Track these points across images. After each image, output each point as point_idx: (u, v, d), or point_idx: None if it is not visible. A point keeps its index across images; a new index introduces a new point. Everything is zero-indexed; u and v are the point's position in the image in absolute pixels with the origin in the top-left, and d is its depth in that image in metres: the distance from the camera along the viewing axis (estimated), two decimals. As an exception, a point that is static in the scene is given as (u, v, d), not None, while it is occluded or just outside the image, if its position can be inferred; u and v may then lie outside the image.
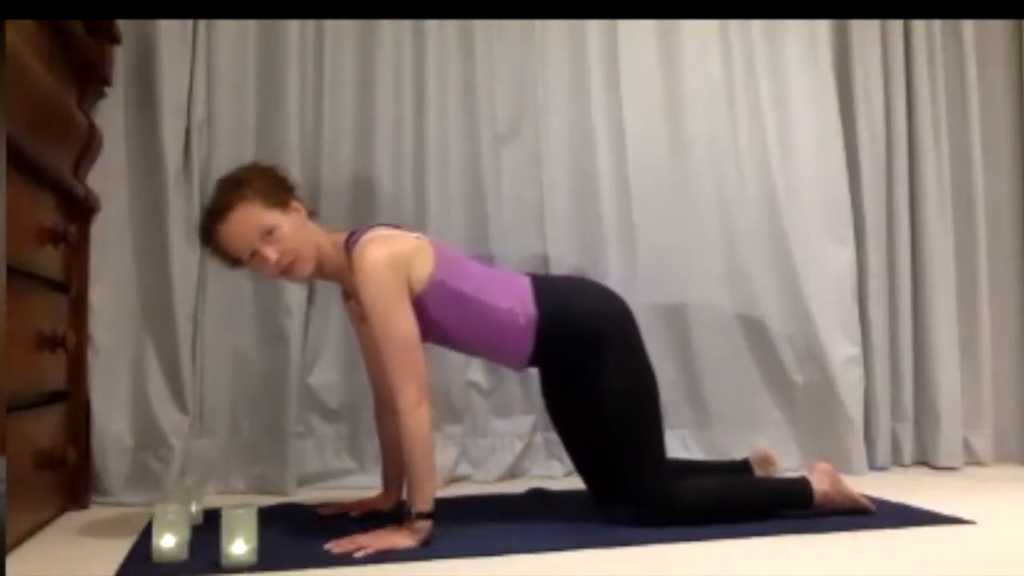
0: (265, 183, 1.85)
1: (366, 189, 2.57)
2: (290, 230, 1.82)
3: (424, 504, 1.72)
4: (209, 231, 1.84)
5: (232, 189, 1.83)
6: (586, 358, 1.92)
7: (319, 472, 2.50)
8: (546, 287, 1.97)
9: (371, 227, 1.92)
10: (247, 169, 1.90)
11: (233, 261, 1.86)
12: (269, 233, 1.80)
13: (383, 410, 2.09)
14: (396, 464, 2.07)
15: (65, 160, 2.14)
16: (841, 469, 2.61)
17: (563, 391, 2.08)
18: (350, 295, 2.01)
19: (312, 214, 1.93)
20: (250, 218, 1.79)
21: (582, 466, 2.15)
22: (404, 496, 2.06)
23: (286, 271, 1.84)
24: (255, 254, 1.81)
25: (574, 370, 1.95)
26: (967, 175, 3.01)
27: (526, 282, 1.96)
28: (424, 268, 1.85)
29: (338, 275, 1.93)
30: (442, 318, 1.88)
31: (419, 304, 1.83)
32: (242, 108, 2.48)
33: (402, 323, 1.77)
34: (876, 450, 2.85)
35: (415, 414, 1.73)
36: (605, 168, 2.72)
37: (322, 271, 1.92)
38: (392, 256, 1.80)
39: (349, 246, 1.86)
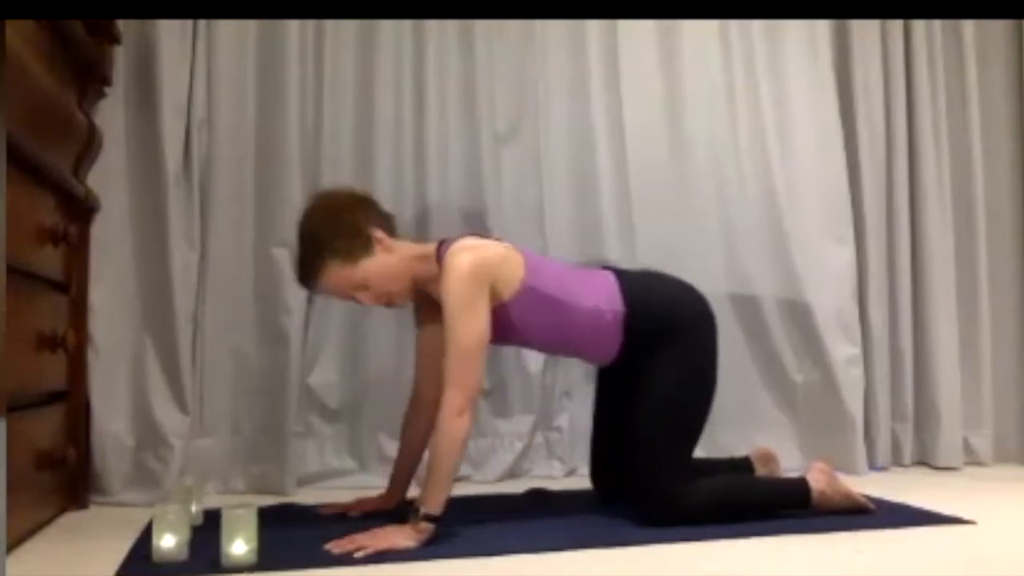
0: (340, 239, 1.86)
1: (366, 189, 2.56)
2: (378, 273, 1.88)
3: (434, 508, 1.72)
4: (305, 284, 1.93)
5: (311, 253, 1.88)
6: (658, 346, 1.93)
7: (319, 472, 2.50)
8: (632, 281, 1.99)
9: (462, 235, 1.94)
10: (321, 220, 1.89)
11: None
12: (359, 287, 1.88)
13: (415, 412, 2.09)
14: (407, 467, 2.10)
15: (65, 160, 2.14)
16: (841, 469, 2.62)
17: (622, 374, 2.05)
18: (429, 299, 1.99)
19: (393, 230, 1.94)
20: (336, 280, 1.88)
21: (600, 458, 2.17)
22: (407, 496, 2.08)
23: (386, 305, 1.95)
24: (353, 299, 1.92)
25: (640, 356, 1.95)
26: (967, 175, 3.02)
27: (611, 277, 1.98)
28: (513, 275, 1.87)
29: (429, 286, 1.94)
30: (530, 322, 1.91)
31: (507, 310, 1.87)
32: (242, 108, 2.48)
33: (473, 329, 1.77)
34: (876, 450, 2.85)
35: (455, 420, 1.73)
36: (605, 168, 2.73)
37: (417, 288, 1.96)
38: (478, 262, 1.81)
39: (440, 254, 1.88)
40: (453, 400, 1.74)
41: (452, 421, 1.73)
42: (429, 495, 1.73)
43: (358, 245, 1.87)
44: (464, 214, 2.62)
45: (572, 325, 1.93)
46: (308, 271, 1.89)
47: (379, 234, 1.89)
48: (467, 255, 1.82)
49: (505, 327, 1.87)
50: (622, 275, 2.01)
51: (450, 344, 1.77)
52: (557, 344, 2.01)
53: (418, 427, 2.06)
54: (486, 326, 1.79)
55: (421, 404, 2.06)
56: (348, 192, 1.98)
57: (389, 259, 1.90)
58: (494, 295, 1.84)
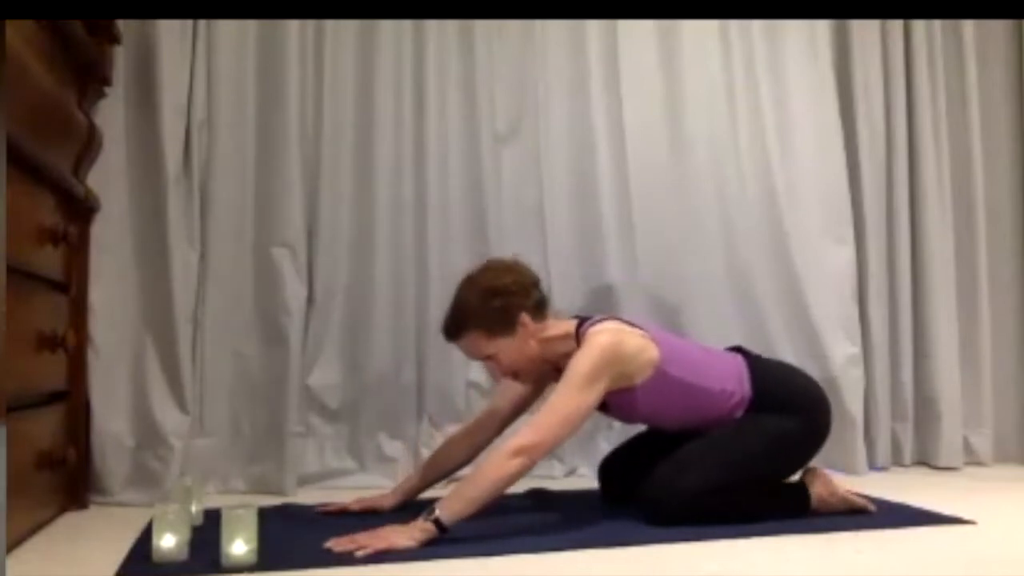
0: (490, 313, 1.93)
1: (366, 189, 2.57)
2: (511, 353, 1.96)
3: (450, 518, 1.72)
4: (447, 337, 2.00)
5: (460, 318, 1.96)
6: (769, 414, 1.99)
7: (319, 472, 2.50)
8: (761, 367, 2.06)
9: (606, 318, 2.01)
10: (473, 291, 1.96)
11: None
12: (489, 358, 1.97)
13: (465, 438, 2.15)
14: (424, 481, 2.12)
15: (65, 160, 2.14)
16: (841, 469, 2.63)
17: None
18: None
19: (543, 305, 2.01)
20: (474, 346, 1.97)
21: (626, 456, 2.20)
22: (409, 497, 2.09)
23: (513, 378, 2.03)
24: (483, 362, 2.03)
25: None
26: (967, 175, 3.02)
27: (741, 362, 2.05)
28: (649, 361, 1.93)
29: (560, 362, 1.97)
30: (657, 404, 1.97)
31: (634, 392, 1.94)
32: (242, 108, 2.48)
33: (580, 402, 1.83)
34: (876, 450, 2.85)
35: (512, 459, 1.76)
36: (605, 168, 2.73)
37: (544, 365, 2.03)
38: (616, 347, 1.89)
39: (579, 333, 1.95)
40: (523, 441, 1.78)
41: (510, 459, 1.76)
42: (451, 503, 1.73)
43: (501, 325, 1.94)
44: (464, 214, 2.62)
45: (699, 408, 1.99)
46: (452, 330, 1.98)
47: (525, 319, 1.95)
48: (609, 337, 1.89)
49: (631, 407, 1.97)
50: (752, 360, 2.08)
51: (553, 400, 1.84)
52: (683, 422, 2.04)
53: (458, 453, 2.13)
54: (593, 404, 1.86)
55: (474, 436, 2.13)
56: (515, 274, 2.01)
57: (526, 344, 1.97)
58: (625, 379, 1.91)
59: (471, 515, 1.73)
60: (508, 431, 2.09)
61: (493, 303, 1.94)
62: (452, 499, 1.74)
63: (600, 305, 2.60)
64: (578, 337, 1.94)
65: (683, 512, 1.86)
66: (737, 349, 2.14)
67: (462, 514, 1.73)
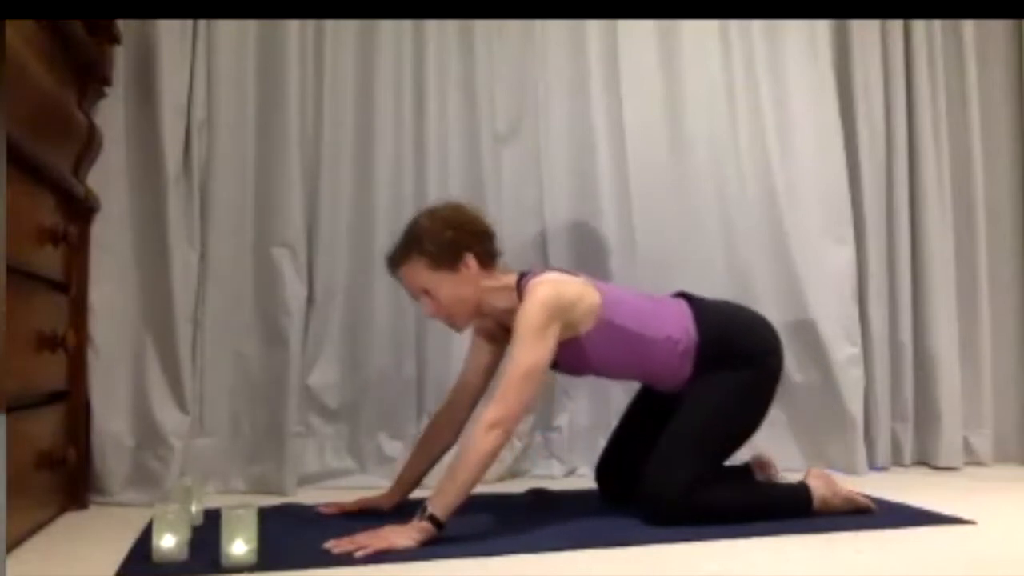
0: (438, 244, 1.93)
1: (366, 189, 2.57)
2: (449, 292, 1.94)
3: (443, 511, 1.72)
4: (389, 263, 2.00)
5: (408, 243, 1.96)
6: (722, 369, 1.98)
7: (319, 472, 2.50)
8: (706, 311, 2.04)
9: (545, 270, 2.02)
10: (431, 219, 1.97)
11: None
12: (427, 292, 1.95)
13: (444, 420, 2.14)
14: (418, 472, 2.12)
15: (65, 160, 2.14)
16: (841, 469, 2.63)
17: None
18: (497, 328, 2.07)
19: (492, 257, 1.99)
20: (414, 276, 1.96)
21: (615, 458, 2.19)
22: (405, 497, 2.08)
23: (446, 321, 2.00)
24: (418, 299, 1.99)
25: (702, 377, 2.00)
26: (967, 175, 3.02)
27: (684, 307, 2.04)
28: (590, 310, 1.93)
29: (501, 318, 1.99)
30: (604, 354, 1.97)
31: (580, 343, 1.94)
32: (242, 108, 2.48)
33: (535, 356, 1.83)
34: (876, 450, 2.85)
35: (488, 434, 1.76)
36: (605, 168, 2.73)
37: (482, 318, 2.03)
38: (557, 298, 1.88)
39: (520, 287, 1.95)
40: (494, 414, 1.77)
41: (485, 434, 1.76)
42: (441, 499, 1.74)
43: (447, 259, 1.93)
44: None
45: (646, 356, 1.99)
46: (397, 255, 1.97)
47: (470, 261, 1.94)
48: (548, 288, 1.89)
49: (580, 359, 1.96)
50: (697, 304, 2.06)
51: (510, 365, 1.83)
52: (631, 374, 2.06)
53: (442, 435, 2.12)
54: (548, 356, 1.85)
55: (452, 415, 2.12)
56: (473, 217, 2.01)
57: (465, 286, 1.95)
58: (570, 329, 1.91)
59: (463, 502, 1.74)
60: (485, 400, 2.04)
61: (446, 234, 1.93)
62: (441, 494, 1.74)
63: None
64: (519, 290, 1.94)
65: (681, 510, 1.86)
66: (682, 295, 2.13)
67: (454, 505, 1.73)
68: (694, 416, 1.98)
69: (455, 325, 2.01)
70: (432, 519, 1.71)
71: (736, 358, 2.00)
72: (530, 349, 1.82)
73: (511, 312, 1.91)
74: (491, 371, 2.13)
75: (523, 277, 1.98)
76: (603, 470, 2.23)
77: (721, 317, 2.07)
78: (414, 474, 2.12)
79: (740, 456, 2.37)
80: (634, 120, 2.75)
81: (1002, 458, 2.99)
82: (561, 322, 1.87)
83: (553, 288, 1.90)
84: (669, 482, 1.89)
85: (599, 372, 2.07)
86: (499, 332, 2.05)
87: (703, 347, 1.99)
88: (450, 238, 1.94)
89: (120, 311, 2.33)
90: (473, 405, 2.12)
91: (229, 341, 2.45)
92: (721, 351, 2.00)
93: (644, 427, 2.12)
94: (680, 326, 2.00)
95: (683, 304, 2.06)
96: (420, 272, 1.94)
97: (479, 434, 1.77)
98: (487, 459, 1.76)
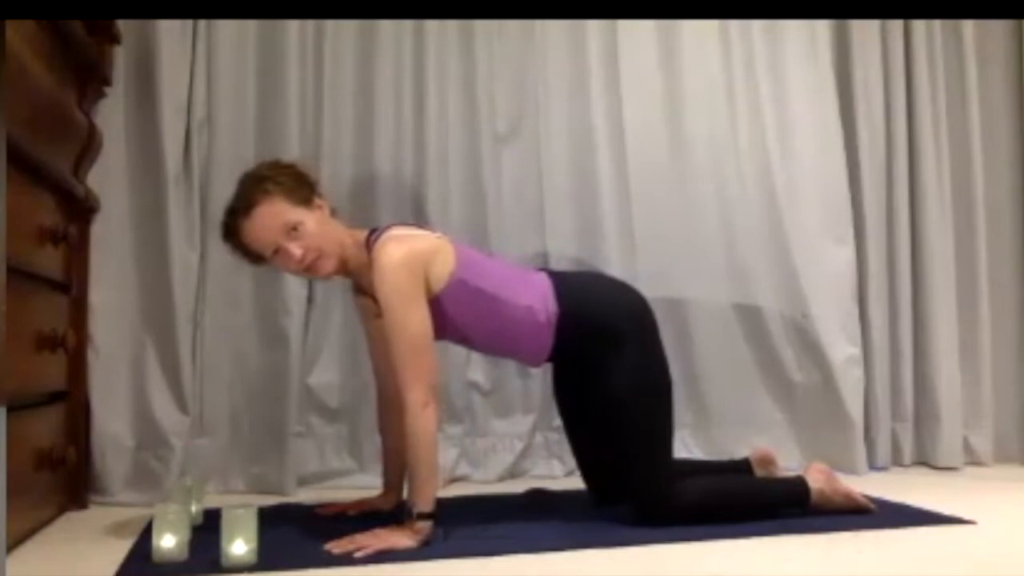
0: (289, 180, 1.85)
1: (366, 189, 2.57)
2: (314, 227, 1.83)
3: (425, 504, 1.72)
4: (232, 227, 1.85)
5: (256, 185, 1.83)
6: (602, 353, 1.91)
7: (319, 472, 2.50)
8: (566, 283, 1.96)
9: (392, 225, 1.93)
10: (270, 166, 1.90)
11: (256, 257, 1.88)
12: (293, 229, 1.81)
13: (386, 409, 2.09)
14: (397, 464, 2.07)
15: (65, 160, 2.14)
16: (841, 469, 2.62)
17: (576, 386, 2.07)
18: (364, 291, 1.99)
19: (334, 211, 1.94)
20: (274, 214, 1.80)
21: (585, 464, 2.15)
22: (405, 496, 2.08)
23: (309, 268, 1.85)
24: (279, 250, 1.82)
25: (589, 365, 1.94)
26: (967, 175, 3.02)
27: (545, 278, 1.96)
28: (444, 267, 1.84)
29: (358, 272, 1.93)
30: (462, 316, 1.87)
31: (438, 302, 1.83)
32: (242, 108, 2.48)
33: (415, 322, 1.76)
34: (876, 450, 2.85)
35: (421, 415, 1.73)
36: (605, 168, 2.72)
37: (345, 268, 1.92)
38: (410, 255, 1.80)
39: (370, 243, 1.86)
40: (415, 395, 1.73)
41: (419, 416, 1.73)
42: (417, 493, 1.73)
43: (304, 192, 1.85)
44: (464, 214, 2.62)
45: (505, 322, 1.89)
46: (245, 202, 1.82)
47: (321, 201, 1.89)
48: (399, 248, 1.80)
49: (438, 320, 1.83)
50: (557, 276, 1.99)
51: (395, 339, 1.75)
52: (492, 341, 1.96)
53: (393, 426, 2.03)
54: (426, 315, 1.78)
55: (389, 401, 2.04)
56: (301, 166, 1.96)
57: (328, 223, 1.87)
58: (426, 287, 1.81)
59: (437, 482, 1.75)
60: None
61: (287, 170, 1.87)
62: (415, 491, 1.74)
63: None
64: (368, 246, 1.86)
65: (673, 510, 1.87)
66: (543, 270, 2.08)
67: (432, 492, 1.73)
68: (619, 432, 1.90)
69: (323, 268, 1.86)
70: (422, 516, 1.72)
71: (601, 331, 1.91)
72: (406, 316, 1.75)
73: (366, 268, 1.84)
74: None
75: (372, 233, 1.90)
76: (584, 477, 2.17)
77: (580, 288, 1.98)
78: (397, 471, 2.08)
79: (739, 453, 2.39)
80: (634, 120, 2.75)
81: (1002, 458, 2.99)
82: (422, 277, 1.79)
83: (404, 245, 1.80)
84: (647, 499, 1.89)
85: (462, 337, 1.95)
86: (375, 306, 1.88)
87: (563, 318, 1.90)
88: (298, 173, 1.87)
89: (120, 311, 2.33)
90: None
91: (229, 341, 2.45)
92: (582, 323, 1.91)
93: (582, 430, 2.09)
94: (539, 295, 1.90)
95: (543, 276, 1.98)
96: (282, 208, 1.80)
97: (414, 420, 1.72)
98: (433, 436, 1.74)
